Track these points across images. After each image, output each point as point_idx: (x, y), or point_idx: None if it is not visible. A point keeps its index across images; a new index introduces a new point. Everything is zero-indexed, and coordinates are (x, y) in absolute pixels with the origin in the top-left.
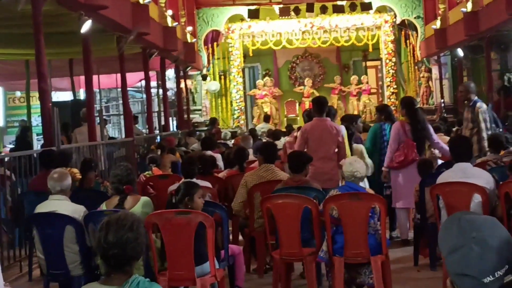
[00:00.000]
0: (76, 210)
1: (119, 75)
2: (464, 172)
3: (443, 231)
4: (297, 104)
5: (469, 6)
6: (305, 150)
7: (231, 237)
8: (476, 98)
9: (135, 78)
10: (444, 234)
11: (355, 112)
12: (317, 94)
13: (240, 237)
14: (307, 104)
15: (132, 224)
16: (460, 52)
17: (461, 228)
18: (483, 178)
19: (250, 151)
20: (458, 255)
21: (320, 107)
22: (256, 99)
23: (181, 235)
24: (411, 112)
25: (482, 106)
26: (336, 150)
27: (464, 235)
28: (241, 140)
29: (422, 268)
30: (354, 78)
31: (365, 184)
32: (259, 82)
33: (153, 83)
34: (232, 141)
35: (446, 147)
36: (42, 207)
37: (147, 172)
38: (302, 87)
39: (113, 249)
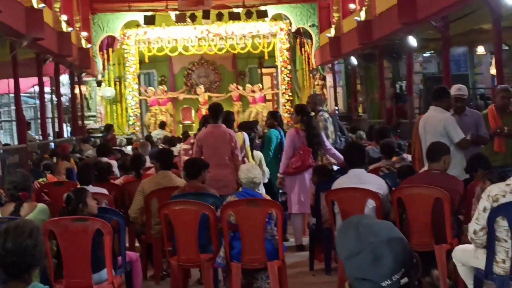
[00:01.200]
0: None
1: (10, 80)
2: (359, 178)
3: (341, 236)
4: (193, 111)
5: (363, 15)
6: (202, 157)
7: (127, 243)
8: (321, 108)
9: (28, 84)
10: (341, 239)
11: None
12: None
13: (137, 244)
14: (203, 111)
15: (31, 231)
16: (353, 60)
17: (359, 233)
18: (377, 184)
19: (147, 157)
20: (357, 260)
21: (214, 113)
22: (150, 106)
23: (78, 242)
24: (305, 118)
25: (323, 115)
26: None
27: (361, 241)
28: (139, 147)
29: (317, 273)
30: (254, 86)
31: (261, 190)
32: (151, 89)
33: (47, 89)
34: (128, 147)
35: (339, 154)
36: None
37: (41, 179)
38: (196, 95)
39: (11, 256)
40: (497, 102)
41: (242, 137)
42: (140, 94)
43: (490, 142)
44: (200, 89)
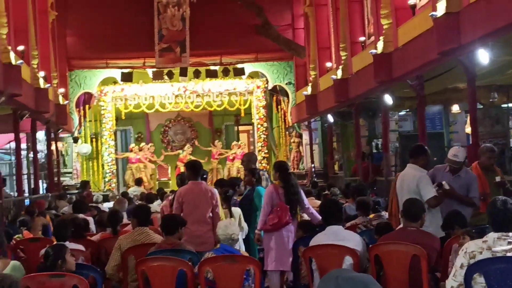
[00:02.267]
0: None
1: None
2: (336, 235)
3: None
4: (169, 168)
5: (339, 74)
6: (181, 213)
7: None
8: (254, 166)
9: (3, 139)
10: None
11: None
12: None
13: None
14: (182, 168)
15: (10, 284)
16: (330, 118)
17: (338, 286)
18: (354, 241)
19: (124, 214)
20: None
21: (195, 170)
22: (131, 163)
23: None
24: (284, 176)
25: (264, 174)
26: (211, 214)
27: None
28: (116, 203)
29: None
30: (234, 144)
31: (240, 246)
32: (133, 146)
33: (23, 145)
34: (104, 204)
35: (316, 214)
36: None
37: (17, 236)
38: (180, 151)
39: None
40: (483, 161)
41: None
42: (116, 154)
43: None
44: (189, 148)
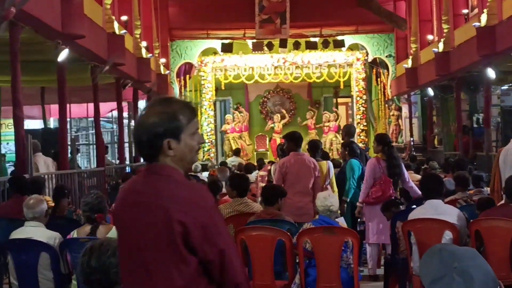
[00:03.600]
0: (51, 237)
1: (89, 104)
2: (436, 209)
3: (425, 261)
4: (267, 139)
5: (441, 47)
6: (283, 184)
7: None
8: (352, 140)
9: (106, 108)
10: (425, 264)
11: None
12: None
13: None
14: (278, 139)
15: (115, 249)
16: (430, 91)
17: (443, 258)
18: (454, 216)
19: (223, 183)
20: (441, 284)
21: (297, 142)
22: (227, 133)
23: None
24: (387, 148)
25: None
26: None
27: (446, 266)
28: (218, 172)
29: None
30: (330, 115)
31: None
32: (228, 116)
33: (125, 114)
34: (203, 173)
35: (416, 188)
36: (17, 234)
37: None
38: (272, 124)
39: (95, 274)
40: None
41: (326, 165)
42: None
43: None
44: (277, 117)
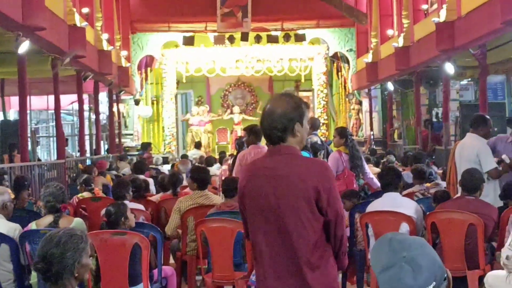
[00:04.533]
0: (11, 229)
1: (50, 96)
2: (393, 202)
3: (375, 250)
4: (228, 132)
5: (401, 41)
6: None
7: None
8: (314, 132)
9: (66, 100)
10: (376, 253)
11: None
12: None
13: (171, 261)
14: (238, 131)
15: (59, 240)
16: (390, 86)
17: (392, 247)
18: (411, 208)
19: (184, 176)
20: (390, 273)
21: (257, 135)
22: (190, 125)
23: (116, 255)
24: (348, 141)
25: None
26: None
27: (395, 254)
28: (180, 164)
29: None
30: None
31: None
32: (195, 109)
33: (86, 106)
34: (164, 166)
35: (376, 180)
36: None
37: (80, 194)
38: (231, 115)
39: (40, 263)
40: None
41: None
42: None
43: None
44: (237, 109)
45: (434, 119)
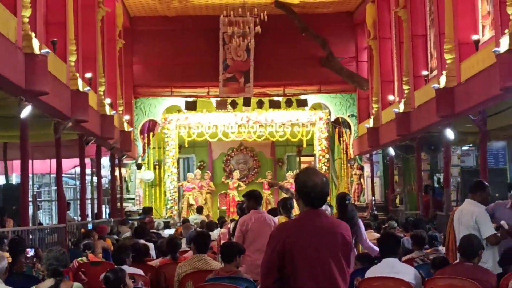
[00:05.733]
0: None
1: (52, 160)
2: (392, 267)
3: None
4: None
5: (401, 107)
6: (243, 242)
7: None
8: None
9: (68, 164)
10: None
11: None
12: (243, 186)
13: None
14: (231, 195)
15: None
16: (391, 151)
17: None
18: (410, 274)
19: (183, 240)
20: None
21: (257, 200)
22: (184, 191)
23: None
24: (341, 207)
25: (327, 208)
26: None
27: None
28: (183, 229)
29: None
30: (288, 175)
31: None
32: (190, 175)
33: (88, 170)
34: (165, 231)
35: (374, 247)
36: None
37: (80, 258)
38: (229, 180)
39: None
40: None
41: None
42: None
43: None
44: (237, 174)
45: (436, 185)
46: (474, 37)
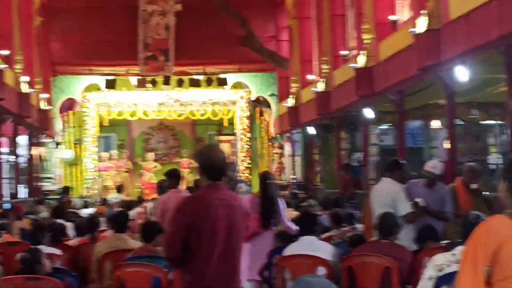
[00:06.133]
0: None
1: None
2: (310, 245)
3: None
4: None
5: (321, 86)
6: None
7: None
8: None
9: None
10: None
11: None
12: (159, 167)
13: None
14: (147, 176)
15: None
16: (312, 130)
17: None
18: (328, 252)
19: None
20: None
21: (176, 179)
22: (102, 170)
23: None
24: (263, 186)
25: (242, 187)
26: None
27: None
28: (104, 207)
29: None
30: (184, 151)
31: None
32: (104, 154)
33: (4, 149)
34: (84, 210)
35: (292, 225)
36: None
37: None
38: (145, 162)
39: None
40: (465, 180)
41: None
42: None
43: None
44: (151, 155)
45: (355, 163)
46: (392, 17)
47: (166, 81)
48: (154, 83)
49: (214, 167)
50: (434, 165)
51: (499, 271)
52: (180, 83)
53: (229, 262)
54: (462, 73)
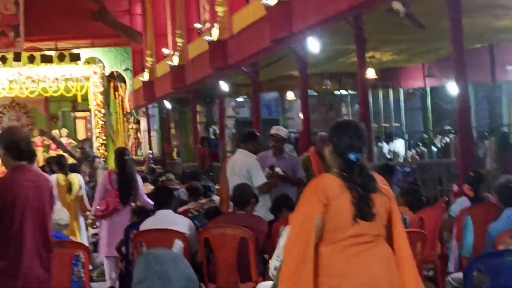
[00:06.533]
0: None
1: None
2: (166, 219)
3: (136, 265)
4: None
5: (176, 60)
6: None
7: None
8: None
9: None
10: (135, 268)
11: None
12: None
13: None
14: None
15: None
16: (167, 104)
17: (147, 261)
18: (184, 225)
19: None
20: (142, 286)
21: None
22: None
23: None
24: (120, 163)
25: (101, 162)
26: None
27: (149, 268)
28: None
29: None
30: (62, 131)
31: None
32: None
33: None
34: None
35: (150, 201)
36: None
37: None
38: None
39: None
40: (318, 150)
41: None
42: None
43: None
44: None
45: (212, 136)
46: None
47: (17, 58)
48: (4, 59)
49: (19, 148)
50: (278, 128)
51: (329, 222)
52: (31, 60)
53: (43, 242)
54: (313, 45)
